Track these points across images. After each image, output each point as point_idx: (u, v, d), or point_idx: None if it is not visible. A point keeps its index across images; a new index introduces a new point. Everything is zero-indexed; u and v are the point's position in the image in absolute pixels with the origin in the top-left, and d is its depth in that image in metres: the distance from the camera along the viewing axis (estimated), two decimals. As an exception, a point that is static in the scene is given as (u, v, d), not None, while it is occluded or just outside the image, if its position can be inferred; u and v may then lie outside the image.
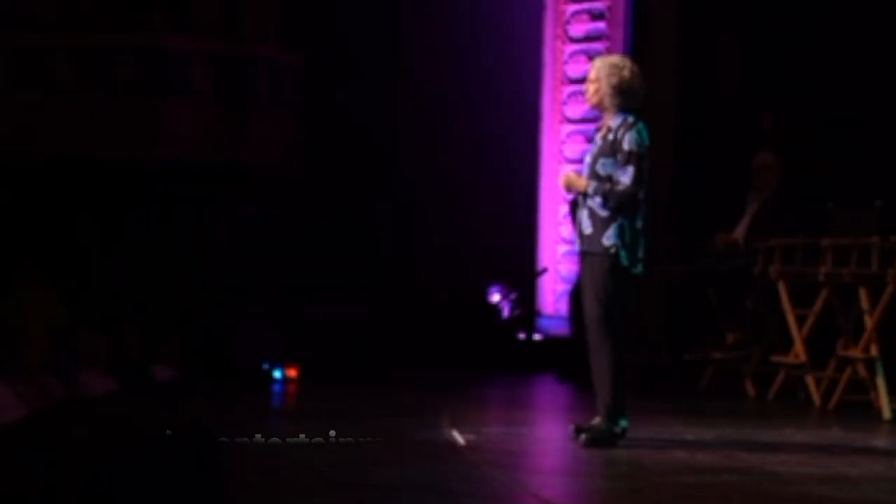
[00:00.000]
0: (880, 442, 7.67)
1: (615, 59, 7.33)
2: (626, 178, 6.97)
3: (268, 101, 12.33)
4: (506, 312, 12.31)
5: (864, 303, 8.71)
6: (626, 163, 6.97)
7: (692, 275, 10.03)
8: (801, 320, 9.21)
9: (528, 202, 12.28)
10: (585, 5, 12.01)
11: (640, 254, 7.06)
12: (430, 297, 12.14)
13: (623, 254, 6.99)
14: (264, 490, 5.56)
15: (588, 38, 11.93)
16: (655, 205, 10.56)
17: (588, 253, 7.10)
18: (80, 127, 11.71)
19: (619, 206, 6.98)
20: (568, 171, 7.59)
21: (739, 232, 10.02)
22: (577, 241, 7.24)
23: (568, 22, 12.09)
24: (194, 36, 12.08)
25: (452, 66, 12.75)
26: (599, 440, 6.92)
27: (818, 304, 9.09)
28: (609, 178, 6.99)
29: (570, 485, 6.23)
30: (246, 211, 12.19)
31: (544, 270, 12.19)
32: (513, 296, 12.31)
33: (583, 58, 11.80)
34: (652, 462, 6.46)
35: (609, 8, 11.91)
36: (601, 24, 11.93)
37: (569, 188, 7.26)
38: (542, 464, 6.98)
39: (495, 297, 12.34)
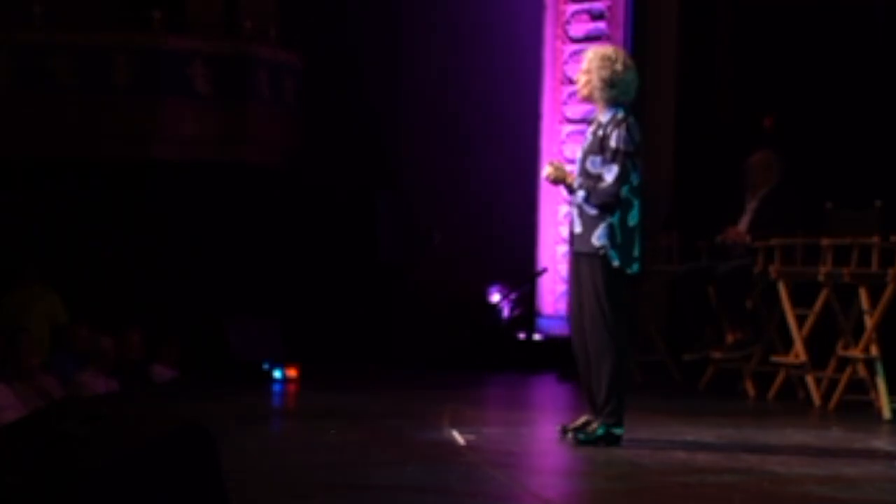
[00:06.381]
0: (880, 442, 7.65)
1: (608, 50, 7.08)
2: (609, 176, 6.77)
3: (268, 101, 12.34)
4: (506, 312, 12.31)
5: (864, 303, 8.70)
6: (612, 161, 6.78)
7: (692, 275, 10.01)
8: (801, 320, 9.19)
9: (527, 202, 12.27)
10: (585, 5, 12.01)
11: (636, 252, 6.85)
12: (430, 297, 12.14)
13: (613, 253, 6.78)
14: (264, 490, 5.56)
15: (588, 38, 11.91)
16: (656, 204, 10.60)
17: (579, 253, 6.92)
18: (80, 127, 11.71)
19: (602, 204, 6.79)
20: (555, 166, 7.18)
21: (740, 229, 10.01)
22: (568, 239, 7.05)
23: (568, 22, 12.09)
24: (194, 36, 12.09)
25: (452, 66, 12.74)
26: (596, 442, 6.82)
27: (818, 304, 9.08)
28: (599, 177, 6.80)
29: (570, 485, 6.22)
30: (245, 211, 12.20)
31: (544, 270, 12.19)
32: (513, 296, 12.31)
33: (583, 58, 11.78)
34: (652, 462, 6.45)
35: (609, 8, 11.91)
36: (601, 24, 11.93)
37: (556, 179, 7.01)
38: (542, 464, 6.96)
39: (495, 297, 12.34)
